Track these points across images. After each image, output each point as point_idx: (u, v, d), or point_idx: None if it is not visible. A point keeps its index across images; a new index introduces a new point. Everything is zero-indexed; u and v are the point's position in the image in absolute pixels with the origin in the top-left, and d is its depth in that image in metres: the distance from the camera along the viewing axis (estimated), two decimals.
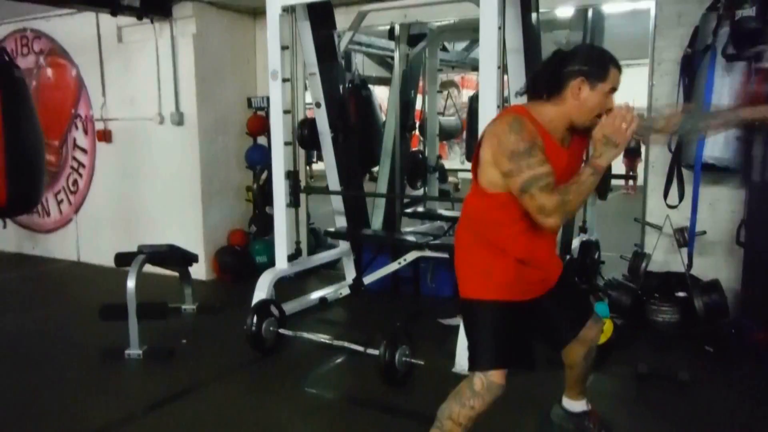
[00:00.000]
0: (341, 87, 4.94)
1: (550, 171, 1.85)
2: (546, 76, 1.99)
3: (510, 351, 2.08)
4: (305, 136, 4.57)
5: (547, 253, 2.17)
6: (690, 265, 3.85)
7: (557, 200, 1.83)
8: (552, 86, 1.95)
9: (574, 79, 1.91)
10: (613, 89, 1.94)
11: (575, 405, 2.57)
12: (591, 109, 1.93)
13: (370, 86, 6.35)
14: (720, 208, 3.98)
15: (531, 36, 3.76)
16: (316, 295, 4.68)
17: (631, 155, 10.69)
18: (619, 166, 10.12)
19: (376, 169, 6.24)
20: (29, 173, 4.08)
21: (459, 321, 2.69)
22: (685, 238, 3.89)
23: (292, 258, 4.33)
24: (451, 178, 8.36)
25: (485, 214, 2.06)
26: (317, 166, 5.89)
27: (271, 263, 4.65)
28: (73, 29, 5.74)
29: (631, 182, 10.66)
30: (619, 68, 1.95)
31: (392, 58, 5.88)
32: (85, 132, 5.92)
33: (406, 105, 5.91)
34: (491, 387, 2.03)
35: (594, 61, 1.93)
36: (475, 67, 6.60)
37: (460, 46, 7.13)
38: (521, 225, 2.00)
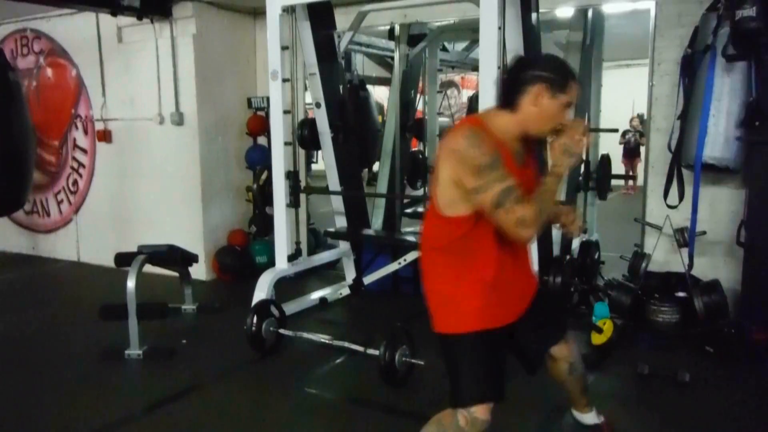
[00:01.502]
0: (341, 87, 4.94)
1: (517, 182, 1.79)
2: (508, 80, 1.94)
3: (493, 384, 2.00)
4: (305, 136, 4.58)
5: (519, 271, 2.08)
6: (690, 265, 3.85)
7: (534, 209, 1.78)
8: (511, 93, 1.90)
9: (535, 85, 1.85)
10: (570, 103, 1.90)
11: (585, 417, 2.55)
12: (548, 118, 1.89)
13: (370, 86, 6.36)
14: (720, 208, 3.98)
15: (531, 36, 3.76)
16: (316, 295, 4.69)
17: (630, 156, 10.71)
18: (618, 167, 10.10)
19: (374, 168, 6.26)
20: (16, 177, 4.08)
21: None
22: (685, 238, 3.88)
23: (292, 258, 4.33)
24: None
25: (449, 240, 1.94)
26: (317, 166, 5.89)
27: (271, 263, 4.65)
28: (73, 29, 5.74)
29: (631, 182, 10.65)
30: (578, 84, 1.92)
31: (392, 58, 5.89)
32: (85, 132, 5.92)
33: (406, 105, 5.91)
34: (476, 423, 1.95)
35: (557, 70, 1.89)
36: (475, 67, 6.62)
37: (460, 46, 7.13)
38: (489, 246, 1.91)
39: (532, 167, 2.03)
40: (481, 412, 1.96)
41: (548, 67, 1.89)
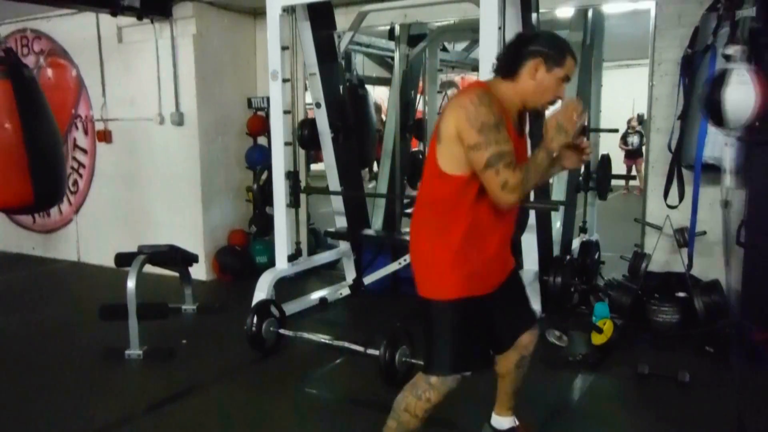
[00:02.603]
0: (341, 87, 4.94)
1: (513, 150, 1.89)
2: (508, 54, 2.02)
3: (468, 355, 2.06)
4: (305, 136, 4.58)
5: (502, 243, 2.14)
6: (690, 265, 3.85)
7: (520, 177, 1.86)
8: (511, 64, 1.98)
9: (532, 59, 1.95)
10: (567, 77, 1.99)
11: (503, 421, 2.45)
12: (544, 91, 1.98)
13: (370, 87, 6.35)
14: (720, 208, 3.98)
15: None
16: (316, 295, 4.69)
17: (633, 156, 10.66)
18: (620, 167, 10.08)
19: (374, 168, 6.26)
20: (52, 169, 4.10)
21: None
22: (685, 238, 3.89)
23: (292, 258, 4.33)
24: None
25: (442, 198, 2.01)
26: (317, 166, 5.90)
27: (271, 263, 4.66)
28: (73, 29, 5.75)
29: (636, 182, 10.53)
30: (575, 59, 2.00)
31: (392, 58, 5.88)
32: (85, 132, 5.92)
33: (406, 105, 5.91)
34: (446, 381, 2.04)
35: (554, 46, 1.97)
36: (475, 67, 6.62)
37: (460, 46, 7.13)
38: (479, 210, 1.98)
39: (525, 139, 2.13)
40: (451, 378, 2.04)
41: (545, 43, 1.98)
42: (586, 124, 2.03)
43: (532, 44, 1.97)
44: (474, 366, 2.09)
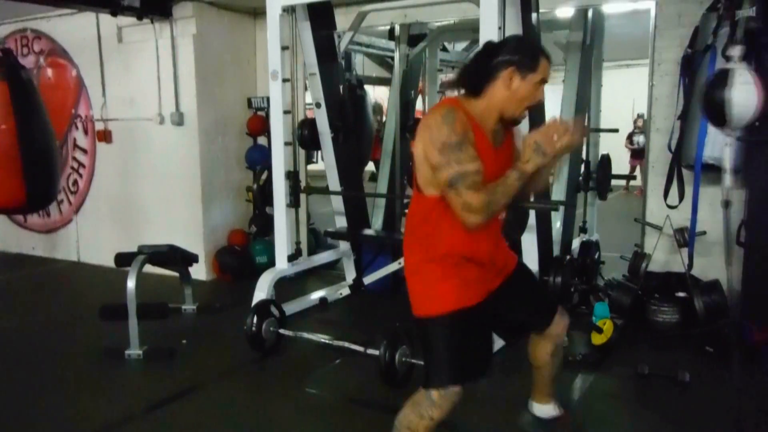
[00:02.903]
0: (341, 87, 4.94)
1: (479, 169, 1.83)
2: (475, 68, 1.97)
3: (465, 366, 2.04)
4: (305, 136, 4.58)
5: (491, 243, 2.11)
6: (690, 265, 3.85)
7: (483, 199, 1.81)
8: (482, 78, 1.93)
9: (504, 70, 1.90)
10: (543, 80, 1.93)
11: (545, 409, 2.51)
12: (521, 99, 1.92)
13: (370, 87, 6.35)
14: (720, 208, 3.97)
15: (531, 36, 3.76)
16: (316, 295, 4.68)
17: (639, 156, 10.61)
18: (620, 167, 10.03)
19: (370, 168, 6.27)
20: (45, 171, 4.12)
21: None
22: (685, 238, 3.88)
23: (292, 258, 4.33)
24: None
25: (425, 217, 2.01)
26: (317, 166, 5.89)
27: (271, 263, 4.65)
28: (73, 29, 5.74)
29: (638, 182, 10.49)
30: (548, 59, 1.94)
31: (392, 58, 5.88)
32: (85, 132, 5.92)
33: (406, 105, 5.91)
34: (449, 395, 2.01)
35: (524, 51, 1.92)
36: None
37: (460, 46, 7.13)
38: (460, 226, 1.93)
39: (510, 148, 2.06)
40: (452, 392, 2.01)
41: (515, 50, 1.92)
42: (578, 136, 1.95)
43: (501, 54, 1.91)
44: (472, 376, 2.08)
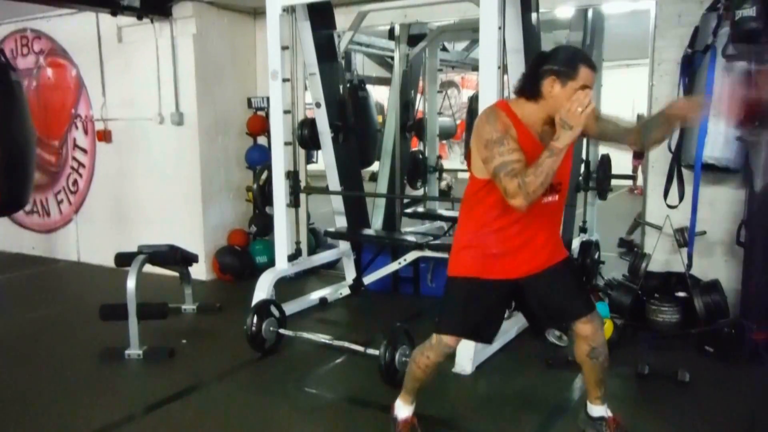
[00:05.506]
0: (341, 87, 4.94)
1: (519, 158, 2.09)
2: (527, 75, 2.26)
3: (467, 324, 2.41)
4: (305, 135, 4.58)
5: (537, 235, 2.32)
6: (690, 265, 3.85)
7: (516, 183, 2.05)
8: (531, 85, 2.19)
9: (547, 78, 2.15)
10: (584, 86, 2.15)
11: (593, 410, 2.57)
12: (564, 104, 2.10)
13: (370, 86, 6.34)
14: (720, 208, 3.98)
15: (531, 36, 3.76)
16: (316, 295, 4.69)
17: (640, 156, 10.61)
18: (620, 167, 10.03)
19: (375, 169, 6.25)
20: (18, 177, 4.08)
21: None
22: (685, 238, 3.88)
23: (292, 258, 4.33)
24: (445, 181, 8.34)
25: (472, 194, 2.33)
26: (317, 166, 5.89)
27: (271, 263, 4.65)
28: (73, 29, 5.74)
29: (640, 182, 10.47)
30: (591, 67, 2.18)
31: (392, 58, 5.88)
32: (85, 132, 5.92)
33: (406, 105, 5.91)
34: (441, 343, 2.41)
35: (565, 61, 2.16)
36: (475, 67, 6.61)
37: (460, 46, 7.13)
38: (501, 207, 2.21)
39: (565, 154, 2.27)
40: (449, 339, 2.41)
41: (557, 60, 2.17)
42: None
43: (546, 63, 2.17)
44: (466, 334, 2.48)
